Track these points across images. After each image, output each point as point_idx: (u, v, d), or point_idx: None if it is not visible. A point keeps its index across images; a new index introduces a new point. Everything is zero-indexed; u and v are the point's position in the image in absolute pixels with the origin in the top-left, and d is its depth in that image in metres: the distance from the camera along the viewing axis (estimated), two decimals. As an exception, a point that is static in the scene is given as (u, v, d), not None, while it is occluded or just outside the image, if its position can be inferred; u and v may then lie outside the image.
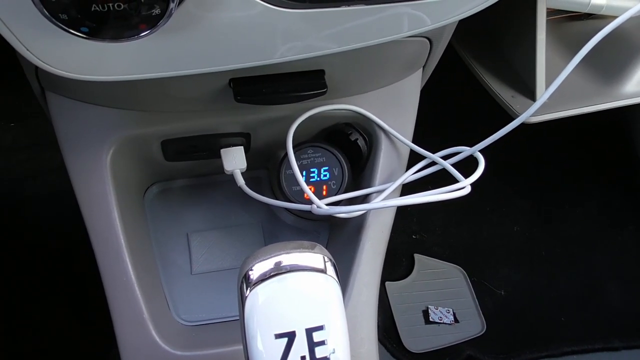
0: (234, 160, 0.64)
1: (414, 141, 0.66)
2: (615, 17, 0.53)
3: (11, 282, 1.06)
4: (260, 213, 0.73)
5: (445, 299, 1.11)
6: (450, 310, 1.10)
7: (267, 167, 0.75)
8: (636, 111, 1.10)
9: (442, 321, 1.08)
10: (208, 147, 0.64)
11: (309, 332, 0.40)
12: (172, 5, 0.37)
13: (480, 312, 1.10)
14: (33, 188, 1.17)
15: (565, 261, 1.19)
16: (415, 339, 1.05)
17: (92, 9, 0.35)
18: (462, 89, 1.16)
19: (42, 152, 1.20)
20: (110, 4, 0.35)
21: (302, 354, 0.39)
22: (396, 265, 1.15)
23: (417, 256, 1.16)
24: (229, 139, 0.64)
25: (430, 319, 1.08)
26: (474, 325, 1.08)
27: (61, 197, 1.12)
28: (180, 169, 0.70)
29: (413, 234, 1.20)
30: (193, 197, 0.73)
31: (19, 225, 1.13)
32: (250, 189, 0.64)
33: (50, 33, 0.38)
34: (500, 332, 1.09)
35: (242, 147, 0.64)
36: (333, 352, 0.40)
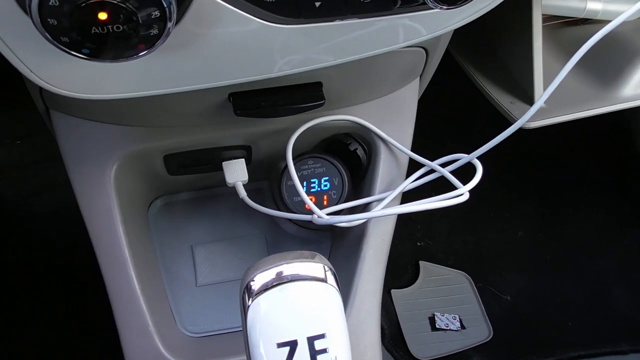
0: (236, 172, 0.65)
1: (412, 149, 0.66)
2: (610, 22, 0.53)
3: (18, 296, 1.07)
4: (263, 224, 0.73)
5: (451, 305, 1.11)
6: (457, 316, 1.09)
7: (268, 179, 0.76)
8: (637, 114, 1.10)
9: (448, 328, 1.08)
10: (210, 160, 0.65)
11: (311, 340, 0.40)
12: (169, 24, 0.38)
13: (487, 318, 1.09)
14: (39, 204, 1.18)
15: (571, 265, 1.19)
16: (422, 346, 1.05)
17: (92, 31, 0.36)
18: (461, 96, 1.17)
19: (48, 169, 1.21)
20: (110, 26, 0.36)
21: (304, 363, 0.39)
22: (401, 272, 1.16)
23: (422, 263, 1.16)
24: (230, 152, 0.65)
25: (437, 326, 1.08)
26: (480, 331, 1.08)
27: (67, 213, 1.12)
28: (183, 182, 0.71)
29: (417, 241, 1.20)
30: (196, 209, 0.74)
31: (26, 241, 1.14)
32: (253, 200, 0.65)
33: (52, 55, 0.40)
34: (507, 338, 1.08)
35: (243, 159, 0.65)
36: (335, 360, 0.40)
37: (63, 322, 1.03)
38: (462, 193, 0.57)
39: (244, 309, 0.41)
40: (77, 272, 1.07)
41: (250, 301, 0.41)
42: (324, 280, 0.42)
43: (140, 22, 0.36)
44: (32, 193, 1.20)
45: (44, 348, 1.01)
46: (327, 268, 0.43)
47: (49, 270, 1.09)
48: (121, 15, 0.36)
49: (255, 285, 0.41)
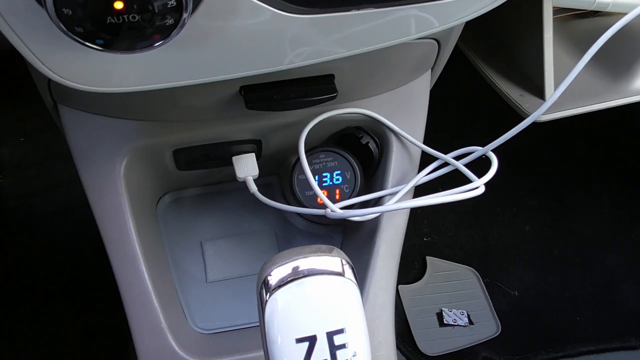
0: (246, 167, 0.64)
1: (425, 142, 0.66)
2: (621, 14, 0.53)
3: (20, 295, 1.06)
4: (272, 219, 0.73)
5: (459, 301, 1.11)
6: (465, 312, 1.09)
7: (278, 173, 0.75)
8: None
9: (456, 323, 1.07)
10: (220, 155, 0.64)
11: (330, 335, 0.40)
12: (185, 15, 0.37)
13: (495, 313, 1.09)
14: (42, 204, 1.17)
15: (579, 260, 1.18)
16: (430, 342, 1.05)
17: (107, 21, 0.35)
18: (471, 88, 1.16)
19: (51, 167, 1.21)
20: (125, 16, 0.35)
21: (324, 358, 0.39)
22: (408, 268, 1.15)
23: (429, 259, 1.15)
24: (241, 146, 0.64)
25: (445, 322, 1.07)
26: (488, 327, 1.08)
27: (70, 212, 1.12)
28: (193, 177, 0.70)
29: (424, 236, 1.20)
30: (206, 205, 0.73)
31: (28, 240, 1.13)
32: (262, 195, 0.64)
33: (65, 46, 0.39)
34: (515, 333, 1.08)
35: (253, 154, 0.65)
36: (354, 356, 0.40)
37: (65, 322, 1.03)
38: (478, 186, 0.56)
39: (262, 305, 0.40)
40: (80, 272, 1.06)
41: (267, 296, 0.40)
42: (342, 274, 0.42)
43: (156, 11, 0.36)
44: (35, 192, 1.19)
45: (45, 348, 1.00)
46: (344, 262, 0.42)
47: (51, 269, 1.09)
48: (137, 5, 0.35)
49: (273, 280, 0.41)
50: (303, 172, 0.61)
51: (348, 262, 0.42)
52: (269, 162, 0.68)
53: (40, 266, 1.09)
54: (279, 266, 0.41)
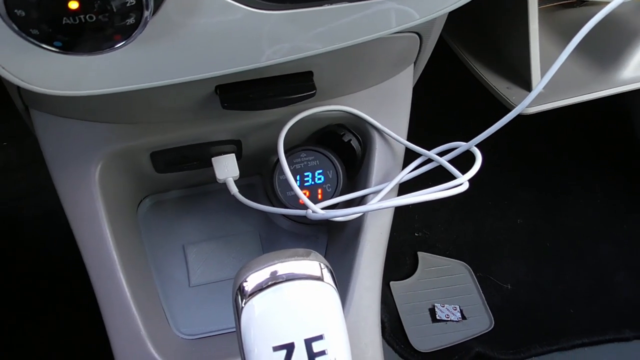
0: (226, 168, 0.62)
1: (408, 139, 0.64)
2: (608, 3, 0.52)
3: (5, 301, 1.04)
4: (256, 220, 0.71)
5: (452, 296, 1.10)
6: (457, 307, 1.08)
7: (260, 173, 0.73)
8: (636, 97, 1.08)
9: (449, 319, 1.06)
10: (199, 156, 0.62)
11: (308, 342, 0.38)
12: (146, 13, 0.35)
13: (488, 307, 1.08)
14: (29, 207, 1.15)
15: (572, 252, 1.18)
16: (422, 338, 1.04)
17: (63, 22, 0.34)
18: (457, 82, 1.15)
19: (37, 171, 1.19)
20: (82, 16, 0.34)
21: (302, 366, 0.38)
22: (400, 264, 1.14)
23: (420, 254, 1.14)
24: (220, 147, 0.62)
25: (437, 317, 1.06)
26: (481, 322, 1.07)
27: (56, 216, 1.10)
28: (173, 180, 0.69)
29: (416, 231, 1.19)
30: (187, 208, 0.72)
31: (16, 246, 1.12)
32: (245, 196, 0.62)
33: (24, 49, 0.37)
34: (508, 327, 1.07)
35: (233, 154, 0.63)
36: (334, 362, 0.38)
37: (52, 328, 1.01)
38: (461, 183, 0.54)
39: (237, 312, 0.39)
40: (67, 276, 1.05)
41: (243, 303, 0.39)
42: (320, 279, 0.40)
43: (115, 11, 0.34)
44: (20, 196, 1.18)
45: (32, 353, 0.99)
46: (323, 266, 0.41)
47: (38, 274, 1.07)
48: (94, 4, 0.34)
49: (249, 286, 0.39)
50: (283, 172, 0.60)
51: (327, 266, 0.41)
52: (250, 162, 0.67)
53: (26, 270, 1.07)
54: (255, 272, 0.40)
